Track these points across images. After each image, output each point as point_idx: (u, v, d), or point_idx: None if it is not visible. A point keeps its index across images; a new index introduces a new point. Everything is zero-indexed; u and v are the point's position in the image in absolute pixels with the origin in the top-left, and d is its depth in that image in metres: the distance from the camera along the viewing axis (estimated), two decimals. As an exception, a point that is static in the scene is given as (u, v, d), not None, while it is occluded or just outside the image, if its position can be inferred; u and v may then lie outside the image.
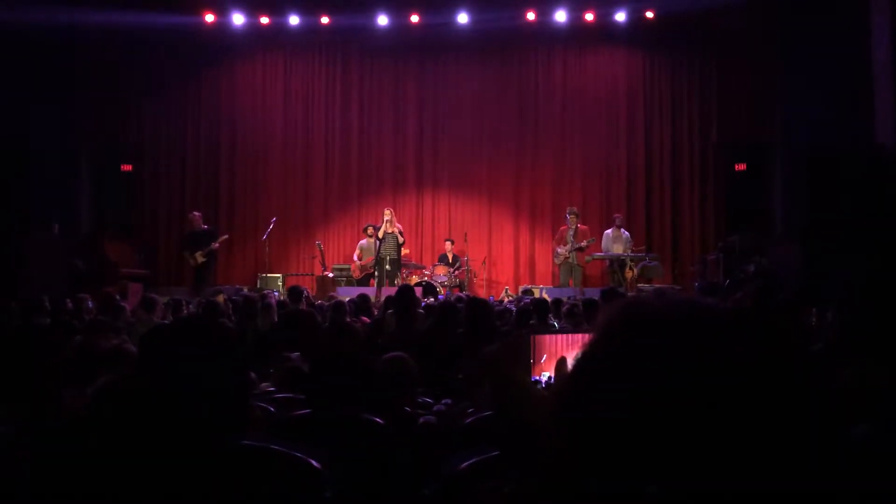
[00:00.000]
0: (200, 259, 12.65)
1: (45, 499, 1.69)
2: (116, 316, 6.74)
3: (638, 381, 0.60)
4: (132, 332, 6.34)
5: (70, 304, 7.82)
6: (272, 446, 1.64)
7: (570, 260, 12.99)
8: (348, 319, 6.59)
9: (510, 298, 12.02)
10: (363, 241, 13.61)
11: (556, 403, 0.66)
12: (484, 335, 5.08)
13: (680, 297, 0.67)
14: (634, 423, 0.59)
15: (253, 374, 4.07)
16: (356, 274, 13.74)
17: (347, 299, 8.17)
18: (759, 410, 0.58)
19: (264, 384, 4.31)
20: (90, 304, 8.06)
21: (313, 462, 1.66)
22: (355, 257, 13.82)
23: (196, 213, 13.23)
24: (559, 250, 13.10)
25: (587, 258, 13.20)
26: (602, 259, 13.32)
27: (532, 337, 1.29)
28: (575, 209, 13.29)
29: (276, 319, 6.81)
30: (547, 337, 1.32)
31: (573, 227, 13.03)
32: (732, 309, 0.65)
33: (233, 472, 1.52)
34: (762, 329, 0.62)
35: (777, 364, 0.60)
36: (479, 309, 5.54)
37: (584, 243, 12.88)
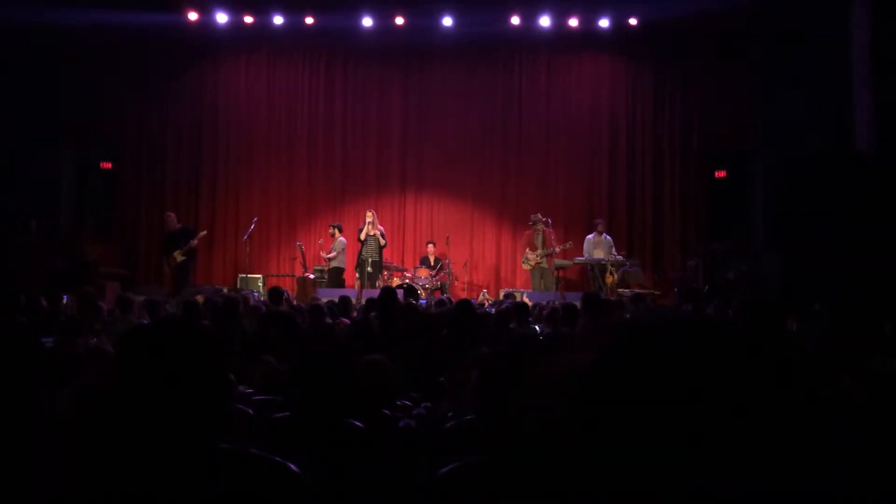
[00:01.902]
0: (180, 258, 12.56)
1: (23, 498, 1.67)
2: (93, 316, 6.68)
3: (643, 397, 0.60)
4: (108, 332, 6.29)
5: (45, 303, 7.73)
6: (250, 450, 1.62)
7: (543, 264, 13.06)
8: (329, 321, 6.57)
9: (489, 302, 12.03)
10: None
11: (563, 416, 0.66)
12: (469, 338, 5.08)
13: (674, 315, 0.67)
14: (640, 435, 0.58)
15: (232, 376, 4.03)
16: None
17: (326, 301, 8.14)
18: (758, 419, 0.58)
19: (241, 386, 4.28)
20: (65, 302, 7.99)
21: (292, 466, 1.64)
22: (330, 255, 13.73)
23: (171, 214, 13.16)
24: (529, 255, 13.15)
25: (560, 262, 13.24)
26: (583, 264, 13.37)
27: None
28: (539, 215, 13.31)
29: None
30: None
31: (540, 232, 13.09)
32: (724, 325, 0.65)
33: (211, 475, 1.50)
34: (756, 345, 0.62)
35: (771, 376, 0.60)
36: (465, 312, 5.55)
37: (557, 248, 12.94)
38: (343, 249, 13.50)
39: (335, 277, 13.40)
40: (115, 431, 1.52)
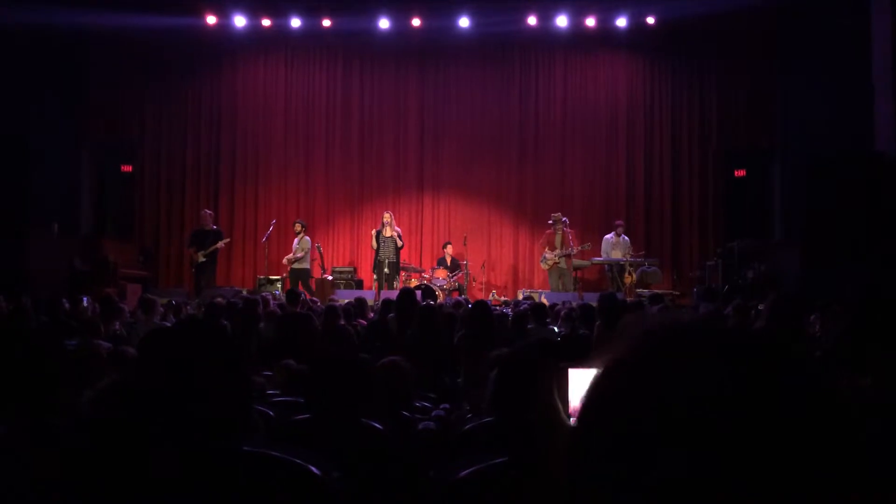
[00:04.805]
0: (201, 258, 12.64)
1: (43, 499, 1.69)
2: (115, 317, 6.73)
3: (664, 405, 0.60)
4: (131, 333, 6.34)
5: (67, 305, 7.80)
6: (272, 452, 1.63)
7: (561, 264, 13.00)
8: (342, 323, 6.57)
9: (500, 302, 11.94)
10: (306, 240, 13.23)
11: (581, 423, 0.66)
12: (485, 339, 5.08)
13: (700, 321, 0.67)
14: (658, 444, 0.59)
15: (257, 379, 4.05)
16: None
17: (345, 302, 8.17)
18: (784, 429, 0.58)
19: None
20: (86, 303, 8.05)
21: (313, 468, 1.65)
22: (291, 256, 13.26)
23: (207, 212, 13.28)
24: (547, 255, 13.10)
25: (578, 262, 13.21)
26: (601, 264, 13.32)
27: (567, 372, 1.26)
28: (560, 215, 13.24)
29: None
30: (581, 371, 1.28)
31: (560, 231, 13.04)
32: (751, 332, 0.65)
33: (232, 478, 1.51)
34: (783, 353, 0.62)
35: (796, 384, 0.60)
36: (481, 313, 5.54)
37: (575, 249, 12.89)
38: (308, 250, 13.06)
39: (297, 280, 12.67)
40: (137, 433, 1.53)
